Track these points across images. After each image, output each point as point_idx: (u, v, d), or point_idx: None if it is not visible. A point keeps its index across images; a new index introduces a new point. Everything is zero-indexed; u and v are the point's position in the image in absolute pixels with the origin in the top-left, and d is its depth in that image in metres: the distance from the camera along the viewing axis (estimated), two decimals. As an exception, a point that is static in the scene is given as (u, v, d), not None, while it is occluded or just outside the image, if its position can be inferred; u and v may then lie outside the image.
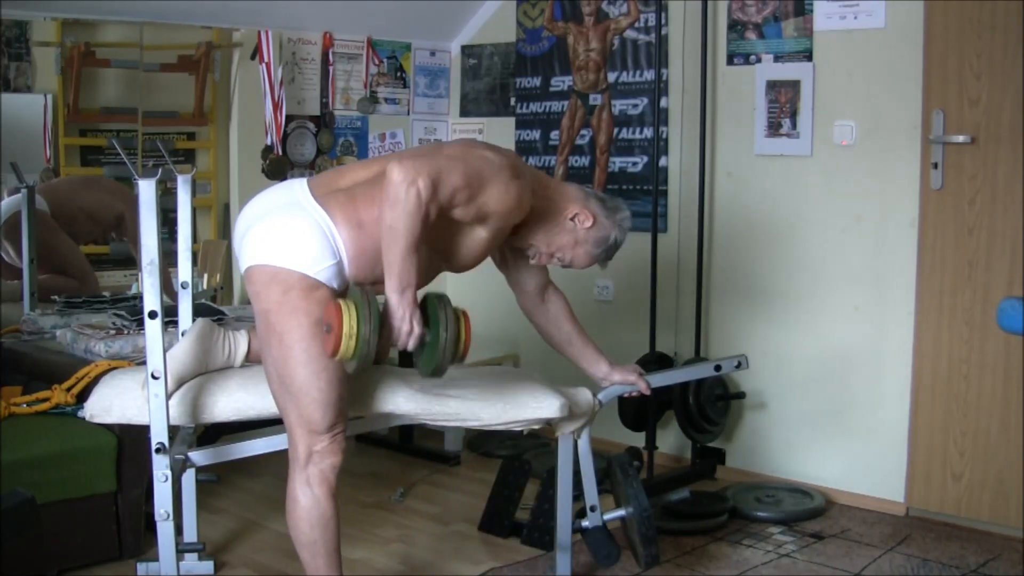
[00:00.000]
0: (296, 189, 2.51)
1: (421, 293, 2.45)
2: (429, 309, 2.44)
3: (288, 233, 2.43)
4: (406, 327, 2.37)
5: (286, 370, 2.42)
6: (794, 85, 3.89)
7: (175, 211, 2.92)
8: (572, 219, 2.68)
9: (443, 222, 2.46)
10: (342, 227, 2.43)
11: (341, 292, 2.46)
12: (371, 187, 2.47)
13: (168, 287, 3.23)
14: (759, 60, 3.99)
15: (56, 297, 3.88)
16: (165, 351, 2.50)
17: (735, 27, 4.04)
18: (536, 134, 4.70)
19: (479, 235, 2.56)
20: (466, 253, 2.60)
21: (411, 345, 2.40)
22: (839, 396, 3.86)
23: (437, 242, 2.52)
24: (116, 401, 2.61)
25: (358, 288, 2.41)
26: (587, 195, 2.72)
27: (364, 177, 2.52)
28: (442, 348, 2.40)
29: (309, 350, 2.39)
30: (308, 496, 2.47)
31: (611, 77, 4.42)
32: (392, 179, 2.32)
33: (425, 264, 2.48)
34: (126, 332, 3.42)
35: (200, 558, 3.12)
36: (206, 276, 4.35)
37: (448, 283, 4.51)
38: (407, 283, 2.36)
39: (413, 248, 2.34)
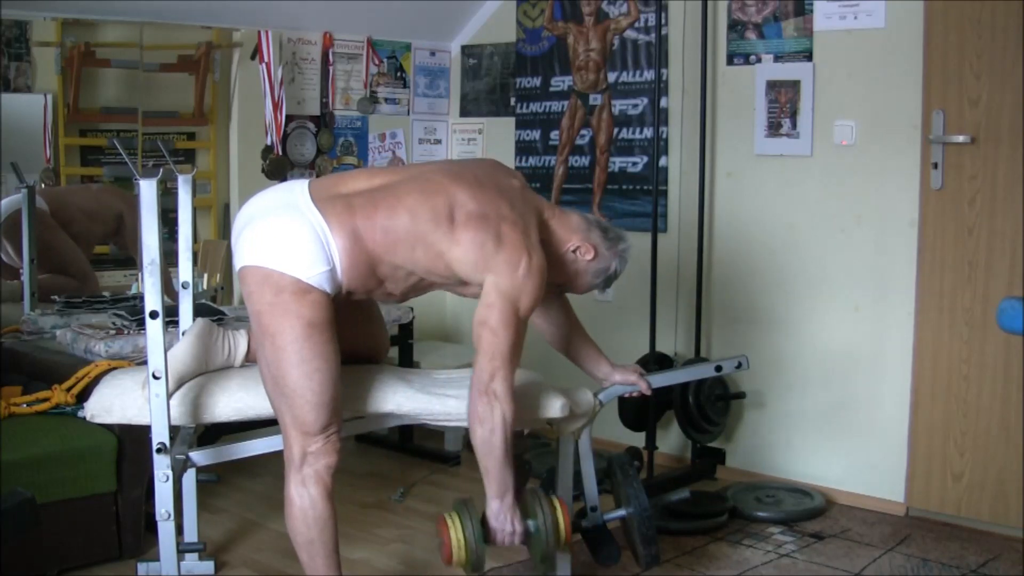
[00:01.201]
0: (296, 191, 2.51)
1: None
2: (526, 505, 2.65)
3: (283, 236, 2.42)
4: (508, 528, 2.57)
5: (279, 371, 2.42)
6: (794, 85, 3.89)
7: (175, 211, 2.92)
8: (574, 251, 2.68)
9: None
10: (337, 235, 2.43)
11: (334, 297, 2.46)
12: (372, 199, 2.47)
13: (168, 287, 3.23)
14: (759, 60, 3.99)
15: (56, 297, 3.88)
16: (166, 351, 2.50)
17: (735, 27, 4.05)
18: (536, 134, 4.70)
19: None
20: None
21: (517, 543, 2.61)
22: (839, 396, 3.86)
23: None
24: (116, 401, 2.61)
25: (460, 501, 2.61)
26: (589, 225, 2.72)
27: (367, 187, 2.52)
28: (545, 541, 2.62)
29: (302, 351, 2.39)
30: (304, 497, 2.47)
31: (611, 77, 4.42)
32: (476, 407, 2.49)
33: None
34: (126, 332, 3.42)
35: (200, 558, 3.12)
36: (206, 276, 4.35)
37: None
38: (506, 489, 2.54)
39: (509, 458, 2.52)
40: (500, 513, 2.55)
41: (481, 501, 3.55)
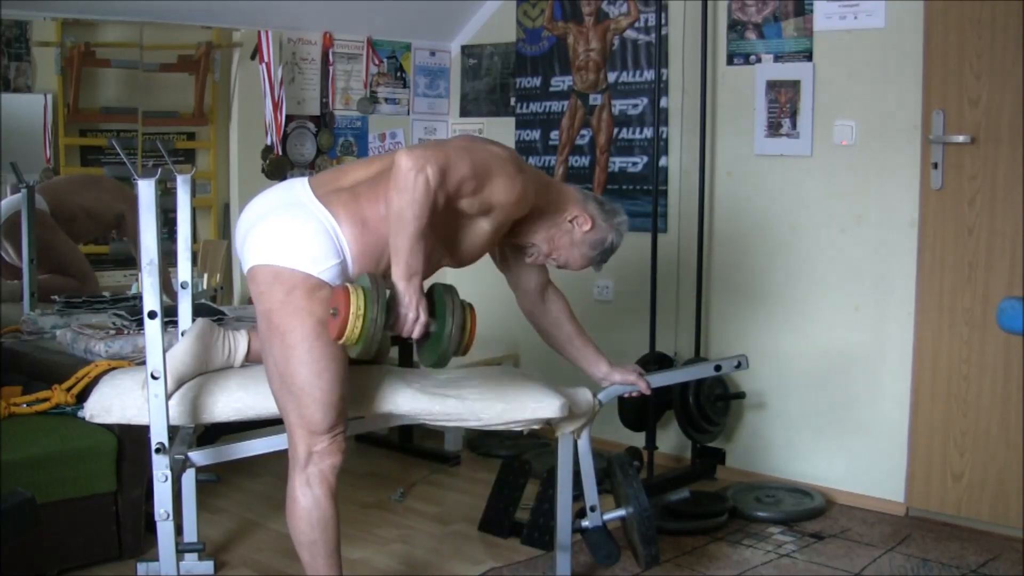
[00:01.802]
0: (298, 188, 2.51)
1: (427, 284, 2.47)
2: (436, 299, 2.46)
3: (291, 233, 2.42)
4: (412, 314, 2.38)
5: (288, 370, 2.42)
6: (794, 85, 3.89)
7: (175, 211, 2.92)
8: (571, 221, 2.69)
9: (447, 214, 2.47)
10: (346, 225, 2.43)
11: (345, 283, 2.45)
12: (374, 185, 2.48)
13: (168, 287, 3.23)
14: (759, 60, 3.99)
15: (56, 297, 3.88)
16: (165, 351, 2.50)
17: (735, 27, 4.04)
18: (536, 134, 4.70)
19: (482, 227, 2.57)
20: (469, 246, 2.61)
21: (416, 333, 2.41)
22: (839, 396, 3.86)
23: (441, 234, 2.52)
24: (116, 401, 2.61)
25: (368, 274, 2.40)
26: (586, 197, 2.73)
27: (366, 175, 2.52)
28: (447, 337, 2.41)
29: (312, 350, 2.39)
30: (308, 496, 2.47)
31: (611, 77, 4.42)
32: (401, 166, 2.34)
33: (428, 257, 2.48)
34: (126, 332, 3.42)
35: (200, 558, 3.12)
36: (206, 276, 4.35)
37: (449, 281, 4.50)
38: (414, 270, 2.38)
39: (420, 235, 2.36)
40: (405, 295, 2.37)
41: (482, 502, 3.57)
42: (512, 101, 4.80)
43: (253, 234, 2.47)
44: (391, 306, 2.37)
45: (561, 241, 2.70)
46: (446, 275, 3.08)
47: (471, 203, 2.48)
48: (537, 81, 4.68)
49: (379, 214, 2.44)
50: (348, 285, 2.35)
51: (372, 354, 2.44)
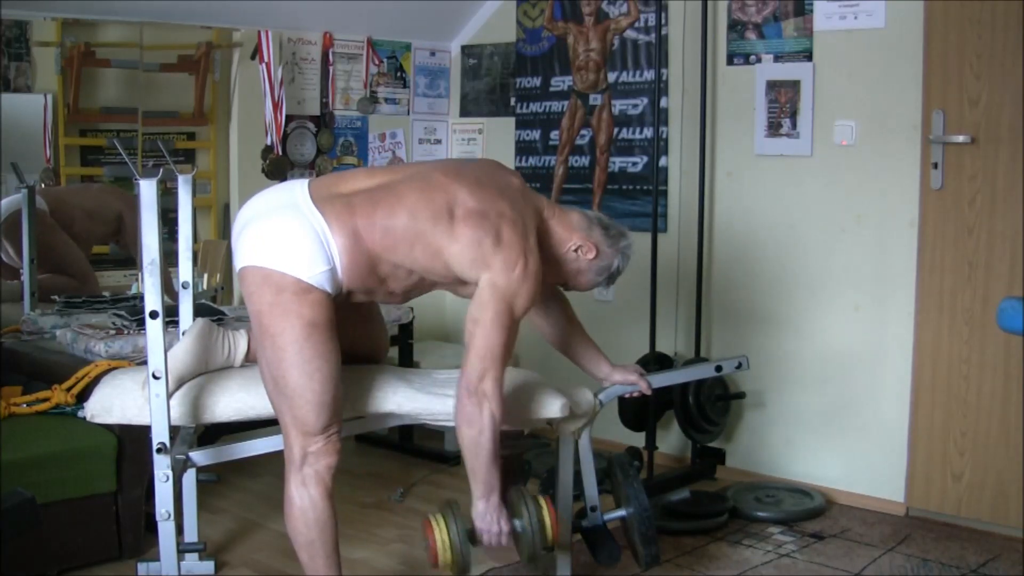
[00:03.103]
0: (296, 191, 2.51)
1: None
2: (512, 505, 2.64)
3: (283, 236, 2.42)
4: (495, 529, 2.55)
5: (279, 371, 2.42)
6: (794, 85, 3.89)
7: (175, 211, 2.92)
8: (575, 250, 2.68)
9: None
10: (337, 234, 2.42)
11: (335, 297, 2.46)
12: (372, 198, 2.47)
13: (168, 287, 3.23)
14: (759, 60, 3.99)
15: (56, 297, 3.88)
16: (166, 351, 2.50)
17: (735, 27, 4.05)
18: (536, 134, 4.70)
19: None
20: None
21: (504, 542, 2.58)
22: (839, 396, 3.86)
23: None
24: (116, 401, 2.61)
25: (445, 503, 2.62)
26: (590, 223, 2.71)
27: (366, 186, 2.52)
28: (532, 540, 2.61)
29: (302, 352, 2.39)
30: (304, 497, 2.47)
31: (611, 77, 4.42)
32: (464, 406, 2.46)
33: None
34: (126, 332, 3.42)
35: (200, 558, 3.12)
36: (206, 276, 4.35)
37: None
38: (492, 489, 2.53)
39: (496, 458, 2.50)
40: (486, 514, 2.54)
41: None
42: (512, 101, 4.80)
43: (246, 234, 2.47)
44: (474, 523, 2.56)
45: (567, 269, 2.71)
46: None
47: None
48: (537, 81, 4.68)
49: (372, 229, 2.44)
50: (431, 518, 2.57)
51: (469, 572, 2.61)
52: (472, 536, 2.55)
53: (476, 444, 2.47)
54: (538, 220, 2.61)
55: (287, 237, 2.42)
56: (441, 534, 2.53)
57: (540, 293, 2.57)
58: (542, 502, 2.64)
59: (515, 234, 2.48)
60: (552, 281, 2.72)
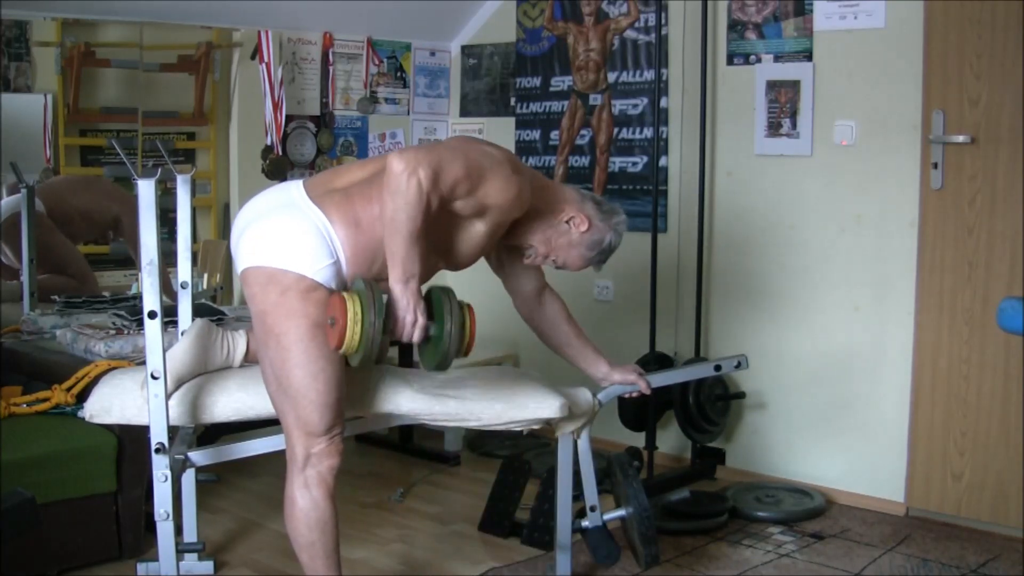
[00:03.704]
0: (292, 190, 2.51)
1: (424, 288, 2.46)
2: (434, 301, 2.46)
3: (284, 234, 2.42)
4: (410, 317, 2.38)
5: (283, 372, 2.41)
6: (794, 85, 3.89)
7: (175, 211, 2.92)
8: (568, 222, 2.67)
9: (442, 217, 2.46)
10: (339, 226, 2.43)
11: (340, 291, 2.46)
12: (368, 186, 2.47)
13: (168, 287, 3.23)
14: (759, 60, 3.99)
15: (56, 297, 3.88)
16: (165, 351, 2.50)
17: (735, 27, 4.04)
18: (536, 134, 4.70)
19: (477, 229, 2.55)
20: (465, 249, 2.59)
21: (416, 336, 2.40)
22: (839, 396, 3.86)
23: (436, 238, 2.51)
24: (116, 401, 2.61)
25: (362, 280, 2.40)
26: (583, 197, 2.72)
27: (360, 177, 2.52)
28: (447, 339, 2.40)
29: (307, 351, 2.39)
30: (306, 498, 2.46)
31: (611, 77, 4.42)
32: (393, 169, 2.33)
33: (424, 260, 2.47)
34: (126, 332, 3.42)
35: (200, 558, 3.12)
36: (206, 276, 4.35)
37: (447, 283, 4.51)
38: (411, 273, 2.37)
39: (415, 238, 2.35)
40: (403, 296, 2.36)
41: (482, 502, 3.57)
42: (512, 101, 4.80)
43: (247, 236, 2.47)
44: (389, 311, 2.36)
45: (558, 242, 2.69)
46: (445, 278, 3.08)
47: (465, 204, 2.47)
48: (537, 81, 4.68)
49: (373, 215, 2.43)
50: (344, 293, 2.34)
51: (373, 361, 2.43)
52: (386, 323, 2.34)
53: (394, 218, 2.33)
54: (534, 185, 2.61)
55: (288, 235, 2.42)
56: (354, 308, 2.28)
57: (515, 203, 2.52)
58: (464, 306, 2.45)
59: (498, 150, 2.54)
60: (544, 253, 2.71)
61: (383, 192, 2.36)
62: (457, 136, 2.70)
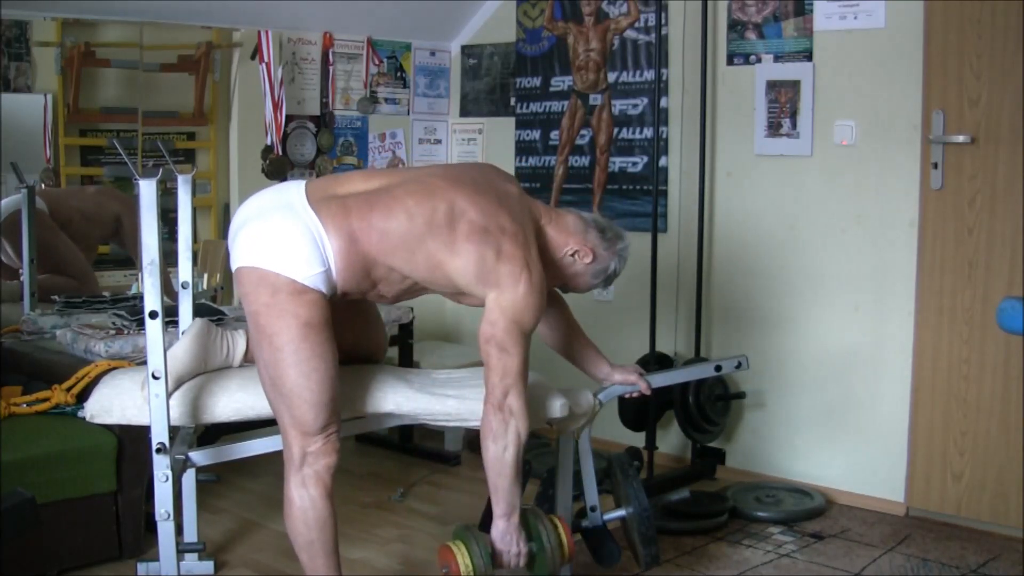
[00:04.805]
0: (292, 192, 2.50)
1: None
2: (530, 525, 2.62)
3: (279, 237, 2.42)
4: (515, 549, 2.56)
5: (277, 372, 2.42)
6: (794, 85, 3.89)
7: (175, 211, 2.92)
8: (572, 255, 2.68)
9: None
10: (333, 236, 2.42)
11: (330, 298, 2.46)
12: (369, 202, 2.47)
13: (168, 287, 3.23)
14: (759, 60, 3.99)
15: (56, 297, 3.88)
16: (165, 351, 2.50)
17: (735, 27, 4.05)
18: (536, 134, 4.70)
19: None
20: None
21: (522, 564, 2.57)
22: (839, 396, 3.86)
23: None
24: (116, 401, 2.61)
25: (462, 528, 2.60)
26: (586, 227, 2.70)
27: (363, 189, 2.51)
28: (550, 560, 2.59)
29: (299, 351, 2.39)
30: (304, 497, 2.46)
31: (611, 77, 4.42)
32: (488, 417, 2.49)
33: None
34: (126, 332, 3.42)
35: (200, 558, 3.12)
36: (206, 276, 4.35)
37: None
38: (514, 508, 2.54)
39: (520, 476, 2.53)
40: (507, 534, 2.55)
41: (482, 502, 3.56)
42: (512, 101, 4.80)
43: (242, 235, 2.47)
44: (494, 544, 2.55)
45: (564, 273, 2.72)
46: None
47: None
48: (537, 81, 4.68)
49: (368, 232, 2.43)
50: (451, 545, 2.54)
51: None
52: (492, 558, 2.54)
53: (500, 461, 2.49)
54: (535, 227, 2.61)
55: (283, 238, 2.42)
56: (464, 560, 2.50)
57: (545, 303, 2.57)
58: (557, 521, 2.67)
59: (517, 247, 2.48)
60: (551, 284, 2.72)
61: (483, 431, 2.50)
62: (473, 226, 2.51)
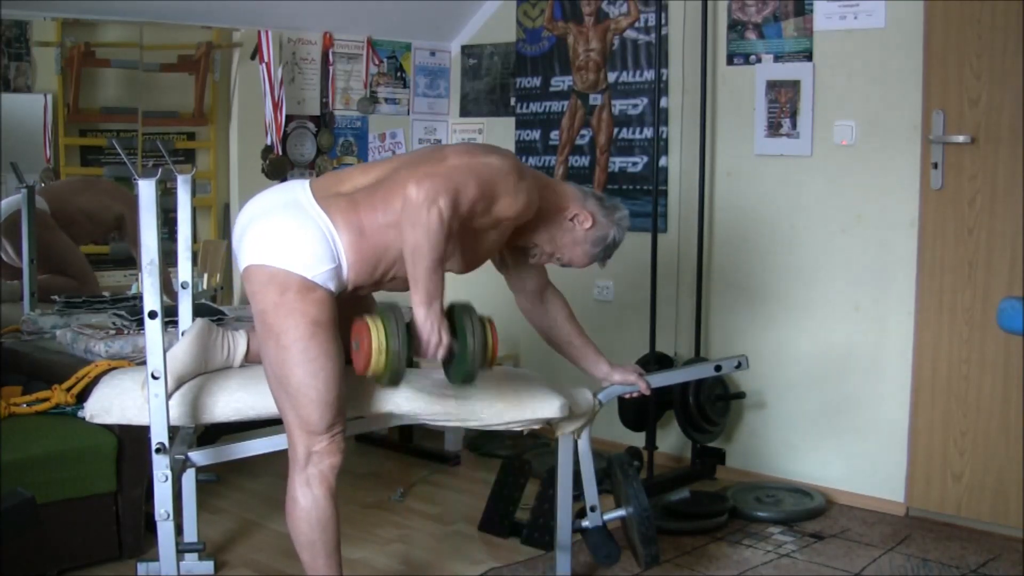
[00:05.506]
0: (297, 190, 2.51)
1: (444, 303, 2.49)
2: (455, 319, 2.50)
3: (287, 234, 2.43)
4: (435, 339, 2.43)
5: (283, 371, 2.42)
6: (794, 85, 3.89)
7: (175, 211, 2.92)
8: (572, 219, 2.69)
9: (458, 229, 2.49)
10: (343, 231, 2.44)
11: (338, 295, 2.46)
12: (372, 193, 2.48)
13: (168, 287, 3.23)
14: (759, 60, 3.99)
15: (56, 297, 3.88)
16: (165, 351, 2.50)
17: (735, 27, 4.05)
18: (536, 134, 4.70)
19: (490, 237, 2.60)
20: (476, 254, 2.64)
21: (440, 355, 2.46)
22: (839, 396, 3.86)
23: (448, 247, 2.53)
24: (116, 401, 2.61)
25: (386, 305, 2.47)
26: (585, 195, 2.73)
27: (365, 182, 2.52)
28: (471, 356, 2.47)
29: (307, 350, 2.39)
30: (308, 497, 2.46)
31: (611, 77, 4.42)
32: (411, 200, 2.36)
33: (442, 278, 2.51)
34: (126, 332, 3.42)
35: (200, 558, 3.12)
36: (206, 276, 4.35)
37: (447, 283, 4.50)
38: (434, 296, 2.41)
39: (439, 264, 2.39)
40: (427, 320, 2.41)
41: (482, 502, 3.57)
42: (512, 101, 4.80)
43: (249, 234, 2.47)
44: (412, 332, 2.42)
45: (563, 240, 2.70)
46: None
47: (482, 221, 2.52)
48: (537, 81, 4.68)
49: (376, 222, 2.45)
50: (367, 318, 2.41)
51: (400, 383, 2.51)
52: (411, 345, 2.41)
53: (417, 247, 2.37)
54: (538, 185, 2.62)
55: (291, 235, 2.42)
56: (378, 335, 2.36)
57: (525, 211, 2.56)
58: (485, 321, 2.53)
59: (502, 159, 2.54)
60: (550, 252, 2.73)
61: (402, 222, 2.39)
62: (460, 146, 2.68)
